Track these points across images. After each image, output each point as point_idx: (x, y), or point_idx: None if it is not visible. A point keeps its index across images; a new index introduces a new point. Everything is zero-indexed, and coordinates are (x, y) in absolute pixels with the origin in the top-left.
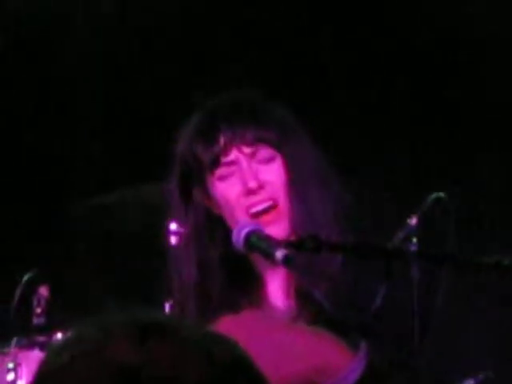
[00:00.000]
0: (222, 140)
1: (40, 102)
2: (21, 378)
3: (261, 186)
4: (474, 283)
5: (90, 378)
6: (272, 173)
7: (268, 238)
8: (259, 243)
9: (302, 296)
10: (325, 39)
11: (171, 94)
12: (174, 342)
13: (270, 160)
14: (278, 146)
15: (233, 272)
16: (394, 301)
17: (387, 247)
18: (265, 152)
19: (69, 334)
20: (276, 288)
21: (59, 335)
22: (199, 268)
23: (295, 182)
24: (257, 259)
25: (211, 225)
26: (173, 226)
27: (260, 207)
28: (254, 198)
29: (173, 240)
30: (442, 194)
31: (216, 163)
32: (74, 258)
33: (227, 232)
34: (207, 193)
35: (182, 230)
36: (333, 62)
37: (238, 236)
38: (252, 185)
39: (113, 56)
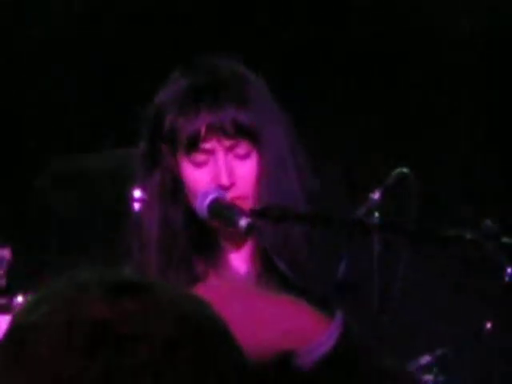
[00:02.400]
0: (203, 127)
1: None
2: None
3: (233, 183)
4: (435, 258)
5: (61, 333)
6: (246, 169)
7: (232, 206)
8: (223, 211)
9: (265, 265)
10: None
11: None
12: (147, 300)
13: (246, 156)
14: (255, 141)
15: (195, 236)
16: (355, 273)
17: (349, 218)
18: (243, 147)
19: (42, 290)
20: (239, 257)
21: (20, 298)
22: (162, 227)
23: (267, 176)
24: (219, 226)
25: (176, 187)
26: (136, 193)
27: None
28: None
29: (136, 207)
30: (405, 170)
31: (193, 147)
32: (36, 222)
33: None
34: (176, 162)
35: (145, 196)
36: None
37: (202, 203)
38: (225, 181)
39: None
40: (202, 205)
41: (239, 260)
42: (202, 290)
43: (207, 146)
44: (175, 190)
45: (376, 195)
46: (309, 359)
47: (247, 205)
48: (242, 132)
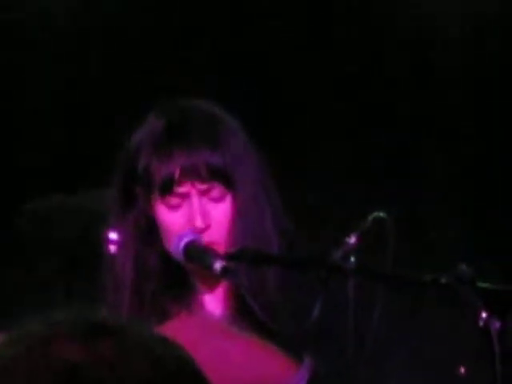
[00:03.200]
0: (177, 170)
1: None
2: None
3: (208, 226)
4: (412, 301)
5: (32, 373)
6: (220, 212)
7: (207, 249)
8: (198, 254)
9: (238, 307)
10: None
11: (120, 98)
12: (119, 342)
13: (220, 199)
14: (229, 184)
15: (169, 277)
16: (330, 317)
17: (325, 261)
18: (217, 190)
19: (15, 330)
20: (213, 298)
21: None
22: (136, 268)
23: (241, 218)
24: (194, 268)
25: (150, 228)
26: (112, 235)
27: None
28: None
29: (111, 249)
30: (381, 214)
31: (168, 191)
32: (12, 262)
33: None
34: (150, 204)
35: (119, 238)
36: None
37: (177, 246)
38: (199, 224)
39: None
40: (177, 247)
41: (213, 301)
42: (171, 330)
43: (181, 189)
44: (150, 232)
45: (352, 239)
46: None
47: (222, 249)
48: (216, 176)
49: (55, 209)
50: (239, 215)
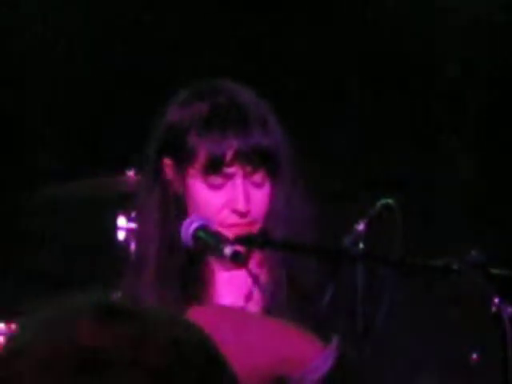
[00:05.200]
0: (229, 153)
1: None
2: None
3: (248, 211)
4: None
5: (51, 357)
6: (260, 198)
7: (217, 234)
8: (208, 238)
9: (251, 291)
10: None
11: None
12: (138, 325)
13: (261, 184)
14: (272, 170)
15: (192, 254)
16: (340, 302)
17: (335, 247)
18: (259, 175)
19: (33, 315)
20: (225, 282)
21: (1, 325)
22: (161, 243)
23: (278, 205)
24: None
25: (178, 204)
26: (121, 222)
27: (239, 232)
28: (237, 219)
29: (120, 235)
30: (390, 201)
31: (215, 170)
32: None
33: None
34: (182, 180)
35: (145, 212)
36: None
37: (187, 231)
38: (242, 207)
39: None
40: (186, 233)
41: (225, 286)
42: (194, 314)
43: (229, 170)
44: (177, 209)
45: (361, 226)
46: None
47: (256, 229)
48: (264, 160)
49: (62, 196)
50: (277, 202)
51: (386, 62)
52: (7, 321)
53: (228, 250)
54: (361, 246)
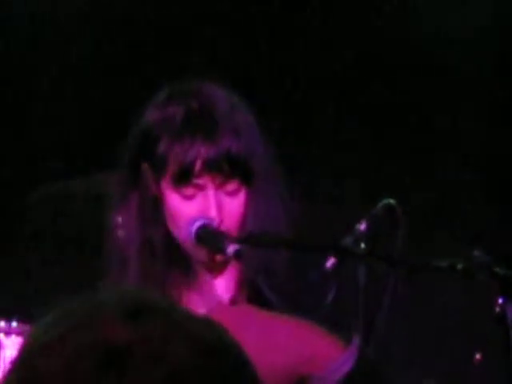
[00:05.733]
0: (198, 163)
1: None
2: None
3: (221, 220)
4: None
5: (77, 354)
6: (235, 206)
7: (219, 233)
8: (210, 237)
9: (247, 291)
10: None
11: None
12: (164, 322)
13: (235, 193)
14: (246, 179)
15: (172, 259)
16: (341, 303)
17: (337, 246)
18: (233, 185)
19: (56, 310)
20: (218, 283)
21: (2, 323)
22: (141, 248)
23: (255, 212)
24: (200, 255)
25: (156, 209)
26: (118, 219)
27: None
28: None
29: (117, 232)
30: (391, 201)
31: (184, 181)
32: (19, 245)
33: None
34: (158, 187)
35: (124, 217)
36: None
37: (189, 230)
38: (213, 218)
39: None
40: (188, 232)
41: (220, 287)
42: (217, 313)
43: (199, 181)
44: (155, 210)
45: (362, 226)
46: None
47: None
48: (236, 170)
49: (62, 194)
50: (253, 209)
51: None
52: (20, 320)
53: (231, 249)
54: (362, 245)
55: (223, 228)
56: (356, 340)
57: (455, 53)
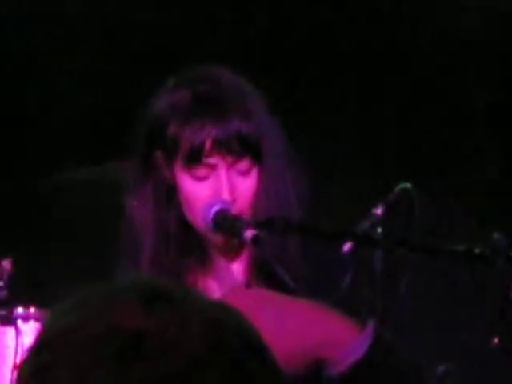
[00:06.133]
0: (208, 142)
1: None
2: None
3: (234, 200)
4: (441, 272)
5: (94, 341)
6: (247, 186)
7: (236, 218)
8: (227, 223)
9: (262, 275)
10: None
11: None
12: (179, 308)
13: (247, 172)
14: (257, 158)
15: (187, 243)
16: (357, 289)
17: (353, 232)
18: (244, 163)
19: (73, 296)
20: (233, 266)
21: (20, 309)
22: (155, 233)
23: (266, 192)
24: (216, 239)
25: (169, 194)
26: (132, 204)
27: None
28: None
29: (132, 217)
30: (408, 185)
31: (196, 161)
32: (39, 233)
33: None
34: (171, 171)
35: (139, 203)
36: None
37: (206, 215)
38: (226, 198)
39: None
40: (205, 217)
41: (234, 270)
42: (232, 297)
43: (211, 161)
44: (169, 196)
45: (379, 210)
46: (341, 367)
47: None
48: (246, 148)
49: (79, 181)
50: (265, 189)
51: None
52: (38, 305)
53: (248, 234)
54: (379, 230)
55: (236, 207)
56: (372, 323)
57: None
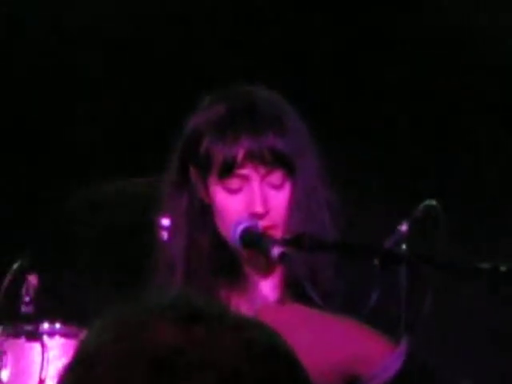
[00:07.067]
0: (241, 153)
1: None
2: (6, 367)
3: (266, 212)
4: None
5: (130, 357)
6: (280, 199)
7: (264, 235)
8: (255, 240)
9: (292, 295)
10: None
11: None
12: (215, 327)
13: (280, 185)
14: (290, 171)
15: (221, 261)
16: (383, 305)
17: (379, 249)
18: (277, 176)
19: (110, 314)
20: (266, 283)
21: (46, 325)
22: (188, 251)
23: (299, 206)
24: (248, 256)
25: (203, 211)
26: (165, 222)
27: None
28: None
29: (164, 234)
30: (433, 202)
31: (229, 172)
32: (65, 248)
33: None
34: (205, 186)
35: (172, 220)
36: None
37: (234, 232)
38: (259, 210)
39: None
40: (234, 234)
41: (266, 287)
42: (266, 313)
43: (243, 171)
44: (203, 215)
45: (403, 227)
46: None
47: (277, 234)
48: (279, 160)
49: (109, 195)
50: (297, 203)
51: None
52: (63, 321)
53: (276, 251)
54: (403, 247)
55: (268, 220)
56: (405, 340)
57: None
